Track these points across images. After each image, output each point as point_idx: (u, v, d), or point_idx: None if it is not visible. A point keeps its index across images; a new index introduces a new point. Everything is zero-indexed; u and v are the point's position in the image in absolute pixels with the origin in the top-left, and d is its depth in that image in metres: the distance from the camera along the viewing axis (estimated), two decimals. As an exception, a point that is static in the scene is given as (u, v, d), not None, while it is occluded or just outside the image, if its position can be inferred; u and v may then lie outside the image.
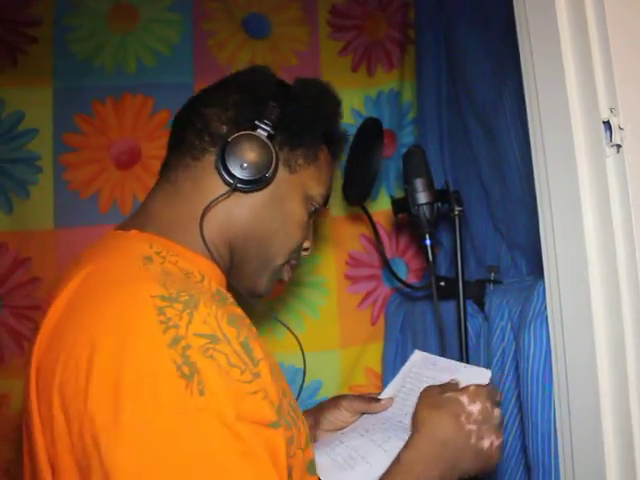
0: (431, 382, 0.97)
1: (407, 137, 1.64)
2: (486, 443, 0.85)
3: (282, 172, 0.90)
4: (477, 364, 1.04)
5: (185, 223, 0.86)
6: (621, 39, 0.74)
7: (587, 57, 0.77)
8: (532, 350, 0.95)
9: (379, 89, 1.64)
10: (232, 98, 0.90)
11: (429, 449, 0.84)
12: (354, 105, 1.62)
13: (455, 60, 1.51)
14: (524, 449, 1.03)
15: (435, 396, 0.89)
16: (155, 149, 1.48)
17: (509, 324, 1.08)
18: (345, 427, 1.01)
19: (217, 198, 0.85)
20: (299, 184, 0.92)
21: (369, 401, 1.03)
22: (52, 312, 0.74)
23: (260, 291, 0.95)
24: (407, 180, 1.19)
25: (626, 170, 0.73)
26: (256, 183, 0.86)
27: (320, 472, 0.86)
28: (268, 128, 0.86)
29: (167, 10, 1.55)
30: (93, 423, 0.63)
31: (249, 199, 0.88)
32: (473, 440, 0.85)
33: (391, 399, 1.02)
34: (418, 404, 0.90)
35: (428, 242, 1.18)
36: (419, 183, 1.17)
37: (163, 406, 0.62)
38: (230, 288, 0.89)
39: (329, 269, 1.57)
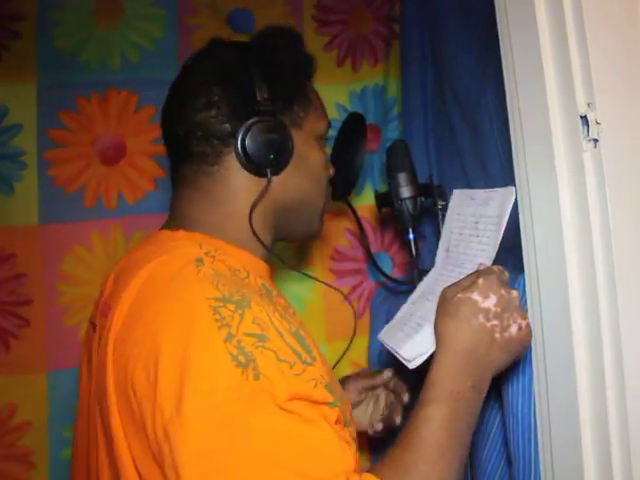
0: (474, 221, 0.96)
1: (392, 132, 1.64)
2: (514, 329, 0.82)
3: (295, 134, 0.92)
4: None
5: (229, 222, 0.90)
6: (598, 35, 0.75)
7: (565, 53, 0.77)
8: (513, 343, 0.96)
9: (364, 84, 1.65)
10: (215, 94, 0.90)
11: (454, 362, 0.81)
12: (339, 100, 1.62)
13: (440, 54, 1.52)
14: (506, 442, 1.04)
15: (449, 301, 0.83)
16: (140, 144, 1.48)
17: (491, 317, 1.09)
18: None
19: (261, 195, 0.89)
20: (309, 133, 0.96)
21: (372, 375, 1.04)
22: (118, 314, 0.80)
23: (316, 232, 1.04)
24: (390, 174, 1.20)
25: (603, 164, 0.74)
26: (285, 162, 0.90)
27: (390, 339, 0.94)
28: (267, 107, 0.87)
29: (152, 5, 1.54)
30: (163, 416, 0.69)
31: (281, 176, 0.92)
32: (498, 335, 0.81)
33: (391, 370, 1.04)
34: (436, 313, 0.86)
35: (411, 236, 1.19)
36: (402, 177, 1.18)
37: (222, 394, 0.68)
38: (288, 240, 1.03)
39: (314, 263, 1.57)
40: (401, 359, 0.93)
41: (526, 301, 0.91)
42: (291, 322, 0.78)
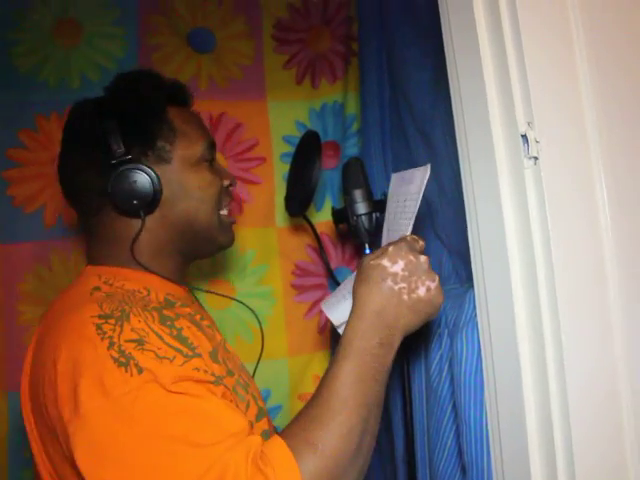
0: (403, 199, 1.02)
1: (351, 148, 1.66)
2: (422, 291, 0.89)
3: (162, 171, 1.00)
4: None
5: (124, 254, 1.00)
6: (536, 57, 0.78)
7: (505, 74, 0.80)
8: (464, 355, 0.98)
9: (323, 101, 1.67)
10: (82, 158, 1.01)
11: (363, 323, 0.87)
12: (298, 117, 1.64)
13: (396, 71, 1.55)
14: (461, 451, 1.06)
15: (364, 269, 0.91)
16: (100, 163, 1.48)
17: (446, 330, 1.12)
18: None
19: (137, 235, 0.99)
20: (181, 163, 1.03)
21: None
22: (30, 346, 0.94)
23: (224, 244, 1.11)
24: (346, 191, 1.23)
25: (542, 181, 0.77)
26: (154, 200, 0.99)
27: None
28: (124, 156, 0.97)
29: (111, 24, 1.56)
30: (63, 420, 0.78)
31: (160, 211, 1.01)
32: (405, 297, 0.88)
33: None
34: (354, 281, 0.93)
35: (368, 251, 1.21)
36: (357, 194, 1.21)
37: (110, 392, 0.76)
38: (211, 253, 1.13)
39: (275, 279, 1.58)
40: (333, 324, 1.00)
41: (476, 314, 0.94)
42: (173, 327, 0.87)
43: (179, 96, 1.11)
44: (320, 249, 1.46)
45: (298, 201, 1.36)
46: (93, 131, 0.99)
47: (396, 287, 0.88)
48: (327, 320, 1.60)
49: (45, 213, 1.47)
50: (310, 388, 1.58)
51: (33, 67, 1.50)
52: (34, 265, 1.46)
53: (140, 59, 1.56)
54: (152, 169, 0.99)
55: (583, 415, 0.76)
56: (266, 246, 1.57)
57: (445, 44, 0.94)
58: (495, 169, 0.82)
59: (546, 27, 0.80)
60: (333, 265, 1.60)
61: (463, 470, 1.05)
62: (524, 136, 0.79)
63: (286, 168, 1.53)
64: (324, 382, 0.84)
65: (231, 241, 1.12)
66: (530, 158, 0.78)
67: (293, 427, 0.81)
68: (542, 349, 0.78)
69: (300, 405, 1.52)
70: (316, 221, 1.51)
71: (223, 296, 1.30)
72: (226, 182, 1.10)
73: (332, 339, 1.59)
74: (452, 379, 1.08)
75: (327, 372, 0.86)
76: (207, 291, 1.32)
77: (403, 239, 0.93)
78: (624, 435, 0.76)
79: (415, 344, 1.24)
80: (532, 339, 0.80)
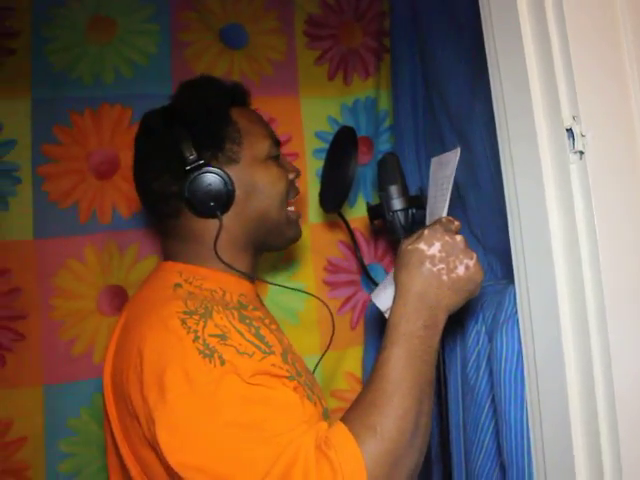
0: (441, 183, 1.04)
1: (384, 144, 1.66)
2: (460, 270, 0.91)
3: (233, 171, 1.04)
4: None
5: (203, 255, 1.04)
6: (581, 50, 0.77)
7: (550, 67, 0.79)
8: (504, 352, 0.97)
9: (355, 97, 1.67)
10: (156, 166, 1.04)
11: (407, 307, 0.89)
12: (331, 113, 1.64)
13: (430, 68, 1.54)
14: (499, 450, 1.05)
15: (402, 254, 0.93)
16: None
17: (483, 327, 1.11)
18: None
19: (218, 234, 1.02)
20: (250, 162, 1.06)
21: None
22: (115, 334, 0.99)
23: (293, 237, 1.15)
24: (381, 187, 1.21)
25: (589, 176, 0.76)
26: (228, 201, 1.03)
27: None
28: (199, 162, 1.00)
29: (145, 21, 1.56)
30: (148, 405, 0.82)
31: (233, 210, 1.05)
32: (445, 277, 0.90)
33: None
34: (394, 266, 0.96)
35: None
36: (393, 190, 1.20)
37: (195, 380, 0.81)
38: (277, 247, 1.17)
39: (308, 275, 1.59)
40: (380, 311, 1.00)
41: (516, 311, 0.93)
42: (252, 325, 0.92)
43: (240, 96, 1.14)
44: (354, 245, 1.45)
45: (333, 197, 1.35)
46: (165, 140, 1.03)
47: (435, 269, 0.90)
48: (360, 317, 1.60)
49: (79, 208, 1.48)
50: (342, 384, 1.58)
51: (67, 64, 1.51)
52: (68, 260, 1.47)
53: (173, 55, 1.57)
54: (223, 170, 1.03)
55: (630, 413, 0.74)
56: (299, 242, 1.56)
57: (486, 38, 0.93)
58: (539, 164, 0.81)
59: (592, 18, 0.79)
60: (366, 261, 1.60)
61: (502, 469, 1.03)
62: (569, 130, 0.77)
63: (319, 164, 1.52)
64: (376, 367, 0.87)
65: (299, 235, 1.16)
66: (576, 153, 0.77)
67: (351, 413, 0.84)
68: (588, 348, 0.76)
69: (333, 402, 1.54)
70: (349, 217, 1.50)
71: (292, 289, 1.33)
72: (291, 175, 1.13)
73: (365, 335, 1.58)
74: (490, 376, 1.07)
75: (377, 358, 0.88)
76: (271, 282, 1.36)
77: (438, 221, 0.95)
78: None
79: (452, 340, 1.23)
80: (577, 338, 0.78)
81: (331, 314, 1.28)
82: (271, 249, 1.18)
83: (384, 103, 1.68)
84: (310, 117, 1.63)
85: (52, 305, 1.46)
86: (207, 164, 1.02)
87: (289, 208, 1.12)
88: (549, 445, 0.84)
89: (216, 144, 1.04)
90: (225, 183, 1.02)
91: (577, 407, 0.79)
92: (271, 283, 1.34)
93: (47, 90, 1.49)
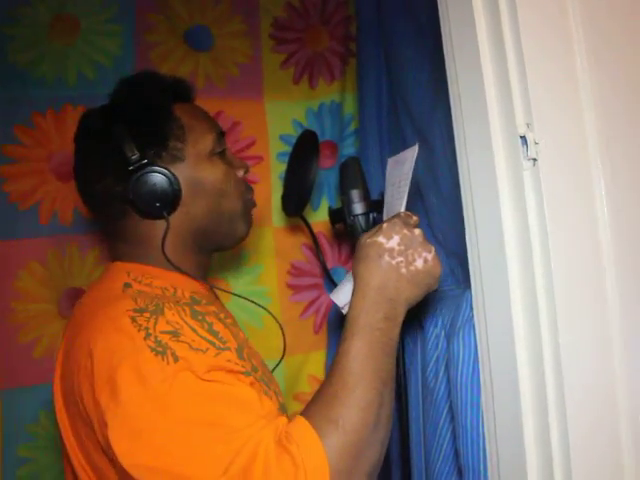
0: (398, 181, 1.04)
1: (348, 148, 1.66)
2: (419, 263, 0.92)
3: (178, 169, 1.02)
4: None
5: (152, 255, 1.02)
6: (535, 59, 0.78)
7: (504, 74, 0.80)
8: (461, 357, 0.98)
9: (321, 101, 1.67)
10: (97, 166, 1.02)
11: (366, 300, 0.90)
12: (296, 117, 1.64)
13: (394, 72, 1.55)
14: (458, 453, 1.06)
15: (360, 248, 0.94)
16: (96, 160, 1.48)
17: (442, 331, 1.11)
18: None
19: (165, 235, 1.00)
20: (195, 159, 1.04)
21: None
22: (63, 338, 0.97)
23: (244, 234, 1.12)
24: (343, 191, 1.22)
25: (541, 183, 0.76)
26: (175, 200, 1.01)
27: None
28: (142, 161, 0.98)
29: (109, 22, 1.55)
30: (100, 407, 0.80)
31: (179, 208, 1.02)
32: (404, 270, 0.91)
33: None
34: (352, 260, 0.96)
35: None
36: (354, 194, 1.20)
37: (148, 379, 0.79)
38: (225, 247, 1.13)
39: (271, 279, 1.58)
40: (337, 307, 1.01)
41: (473, 316, 0.93)
42: (204, 321, 0.90)
43: (182, 92, 1.11)
44: (317, 249, 1.45)
45: (295, 201, 1.35)
46: (105, 140, 1.00)
47: (394, 262, 0.91)
48: (323, 320, 1.60)
49: (40, 210, 1.46)
50: (305, 388, 1.58)
51: (30, 63, 1.49)
52: (29, 262, 1.45)
53: (137, 57, 1.56)
54: (168, 169, 1.00)
55: (581, 419, 0.75)
56: (262, 245, 1.57)
57: (444, 44, 0.94)
58: (494, 170, 0.82)
59: (546, 26, 0.80)
60: (329, 265, 1.60)
61: (459, 473, 1.04)
62: (523, 137, 0.78)
63: (283, 167, 1.52)
64: (336, 360, 0.87)
65: (248, 229, 1.13)
66: (529, 160, 0.78)
67: (312, 407, 0.84)
68: (540, 352, 0.77)
69: (295, 405, 1.54)
70: (312, 221, 1.50)
71: (245, 298, 1.24)
72: (240, 173, 1.11)
73: (328, 339, 1.58)
74: (449, 381, 1.08)
75: (338, 351, 0.88)
76: (226, 291, 1.30)
77: (396, 215, 0.96)
78: (622, 441, 0.76)
79: (412, 342, 1.24)
80: (529, 342, 0.79)
81: (281, 328, 1.23)
82: (221, 248, 1.15)
83: (349, 107, 1.68)
84: (275, 120, 1.62)
85: (13, 308, 1.43)
86: (151, 163, 0.99)
87: (245, 202, 1.11)
88: (503, 450, 0.85)
89: (159, 142, 1.01)
90: (170, 182, 0.99)
91: (529, 411, 0.79)
92: (226, 291, 1.31)
93: (8, 89, 1.47)
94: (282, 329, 1.24)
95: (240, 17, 1.65)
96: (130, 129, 0.99)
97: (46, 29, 1.51)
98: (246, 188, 1.13)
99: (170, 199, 1.00)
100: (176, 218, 1.02)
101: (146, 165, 0.98)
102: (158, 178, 0.99)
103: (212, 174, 1.05)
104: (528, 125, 0.78)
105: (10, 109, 1.47)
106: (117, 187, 1.00)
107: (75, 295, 1.47)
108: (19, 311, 1.44)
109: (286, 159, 1.47)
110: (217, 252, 1.15)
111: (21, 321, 1.43)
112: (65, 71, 1.51)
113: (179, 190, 1.01)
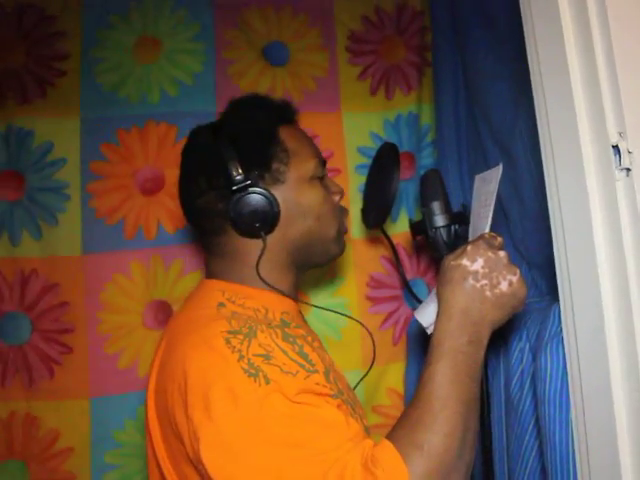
0: (484, 199, 1.04)
1: (426, 159, 1.65)
2: (504, 286, 0.91)
3: (279, 191, 1.04)
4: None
5: (246, 274, 1.04)
6: (627, 67, 0.76)
7: (595, 84, 0.78)
8: (549, 371, 0.96)
9: (398, 112, 1.66)
10: (202, 182, 1.04)
11: (451, 323, 0.89)
12: (373, 128, 1.64)
13: (472, 82, 1.53)
14: (544, 470, 1.03)
15: (445, 271, 0.94)
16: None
17: (527, 345, 1.09)
18: None
19: (261, 255, 1.03)
20: (296, 182, 1.06)
21: None
22: (160, 351, 0.99)
23: (338, 254, 1.15)
24: (424, 203, 1.21)
25: (636, 193, 0.74)
26: (273, 221, 1.03)
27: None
28: (243, 182, 1.00)
29: (190, 40, 1.59)
30: (192, 423, 0.83)
31: (277, 229, 1.05)
32: (488, 293, 0.90)
33: None
34: (436, 282, 0.96)
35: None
36: (436, 206, 1.19)
37: (240, 399, 0.82)
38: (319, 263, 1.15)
39: (350, 291, 1.58)
40: (422, 327, 1.00)
41: (561, 330, 0.91)
42: (295, 344, 0.92)
43: (288, 114, 1.14)
44: (396, 261, 1.44)
45: (376, 213, 1.35)
46: (212, 156, 1.03)
47: (478, 285, 0.90)
48: (402, 332, 1.59)
49: (125, 224, 1.51)
50: (384, 400, 1.57)
51: (115, 84, 1.55)
52: (114, 275, 1.50)
53: (217, 73, 1.59)
54: (269, 192, 1.02)
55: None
56: (341, 258, 1.56)
57: (529, 52, 0.92)
58: (584, 182, 0.80)
59: (638, 29, 0.78)
60: (408, 277, 1.59)
61: (547, 490, 1.01)
62: (615, 147, 0.76)
63: (361, 179, 1.53)
64: (421, 384, 0.87)
65: (342, 251, 1.16)
66: (622, 170, 0.76)
67: (397, 431, 0.83)
68: (635, 367, 0.75)
69: (374, 417, 1.54)
70: (391, 232, 1.49)
71: (336, 312, 1.30)
72: (336, 198, 1.14)
73: (408, 351, 1.57)
74: (534, 395, 1.06)
75: (422, 374, 0.88)
76: (315, 305, 1.33)
77: (481, 237, 0.95)
78: None
79: (495, 358, 1.22)
80: (625, 357, 0.77)
81: (371, 334, 1.27)
82: (313, 266, 1.17)
83: (426, 118, 1.67)
84: (352, 133, 1.63)
85: (99, 319, 1.48)
86: (254, 184, 1.02)
87: (340, 226, 1.13)
88: (595, 468, 0.82)
89: (263, 164, 1.04)
90: (271, 205, 1.02)
91: (625, 428, 0.77)
92: (309, 304, 1.33)
93: (95, 109, 1.53)
94: (372, 336, 1.27)
95: (316, 31, 1.67)
96: (237, 149, 1.02)
97: (130, 50, 1.57)
98: (341, 212, 1.15)
99: (269, 220, 1.03)
100: (272, 238, 1.04)
101: (249, 186, 1.01)
102: (259, 199, 1.01)
103: (311, 198, 1.07)
104: (620, 134, 0.76)
105: (97, 128, 1.53)
106: (219, 203, 1.03)
107: (158, 307, 1.51)
108: (105, 322, 1.49)
109: (364, 171, 1.47)
110: (309, 269, 1.17)
111: (107, 332, 1.49)
112: (149, 90, 1.56)
113: (278, 212, 1.03)
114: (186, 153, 1.11)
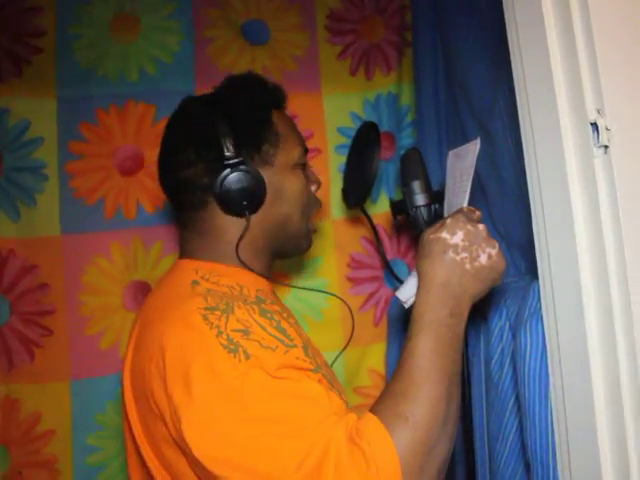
0: (460, 174, 1.04)
1: (406, 139, 1.65)
2: (483, 259, 0.91)
3: (266, 173, 1.04)
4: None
5: (223, 252, 1.04)
6: (606, 42, 0.76)
7: (574, 60, 0.78)
8: (528, 349, 0.96)
9: (377, 92, 1.66)
10: (190, 154, 1.02)
11: (431, 296, 0.90)
12: (353, 109, 1.64)
13: (452, 61, 1.53)
14: (524, 447, 1.05)
15: (424, 244, 0.94)
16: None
17: (507, 323, 1.10)
18: None
19: (244, 233, 1.02)
20: (282, 166, 1.06)
21: None
22: (135, 331, 0.98)
23: (305, 248, 1.15)
24: (404, 182, 1.21)
25: (613, 170, 0.75)
26: (259, 202, 1.03)
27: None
28: (236, 159, 1.00)
29: (168, 18, 1.57)
30: (173, 402, 0.82)
31: (260, 212, 1.05)
32: (468, 266, 0.90)
33: None
34: (416, 256, 0.96)
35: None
36: (416, 185, 1.19)
37: (221, 375, 0.81)
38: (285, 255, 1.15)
39: (331, 271, 1.58)
40: (400, 302, 1.00)
41: (541, 307, 0.92)
42: (273, 319, 0.92)
43: (280, 100, 1.13)
44: (377, 241, 1.44)
45: (356, 193, 1.35)
46: (205, 130, 1.02)
47: (458, 257, 0.90)
48: (383, 313, 1.60)
49: (106, 204, 1.50)
50: (365, 381, 1.58)
51: (93, 61, 1.52)
52: (95, 256, 1.49)
53: (196, 52, 1.58)
54: (258, 172, 1.02)
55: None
56: (321, 238, 1.57)
57: (508, 30, 0.92)
58: (563, 159, 0.80)
59: (616, 9, 0.78)
60: (389, 257, 1.59)
61: (527, 467, 1.03)
62: (594, 124, 0.76)
63: (341, 160, 1.52)
64: (403, 357, 0.87)
65: (308, 247, 1.16)
66: (600, 147, 0.76)
67: (381, 403, 0.84)
68: (614, 344, 0.76)
69: (355, 398, 1.54)
70: (372, 213, 1.49)
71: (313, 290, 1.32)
72: (313, 187, 1.15)
73: (389, 332, 1.58)
74: (514, 373, 1.07)
75: (404, 348, 0.88)
76: (289, 285, 1.33)
77: (459, 211, 0.95)
78: None
79: (475, 336, 1.23)
80: (603, 333, 0.77)
81: (351, 312, 1.27)
82: (283, 256, 1.17)
83: (406, 98, 1.67)
84: (332, 113, 1.63)
85: (80, 301, 1.48)
86: (244, 162, 1.01)
87: (309, 223, 1.14)
88: (574, 444, 0.83)
89: (255, 144, 1.03)
90: (260, 185, 1.02)
91: (603, 405, 0.78)
92: (290, 285, 1.33)
93: (73, 88, 1.51)
94: (352, 313, 1.28)
95: (295, 10, 1.65)
96: (232, 125, 1.01)
97: (108, 28, 1.54)
98: (315, 203, 1.16)
99: (256, 200, 1.03)
100: (253, 219, 1.04)
101: (240, 163, 1.01)
102: (249, 178, 1.01)
103: (294, 184, 1.08)
104: (599, 111, 0.76)
105: (75, 107, 1.51)
106: (205, 177, 1.02)
107: (139, 288, 1.50)
108: (86, 304, 1.48)
109: (344, 151, 1.46)
110: (278, 259, 1.17)
111: (88, 314, 1.48)
112: (127, 68, 1.54)
113: (264, 194, 1.03)
114: (175, 123, 1.09)
